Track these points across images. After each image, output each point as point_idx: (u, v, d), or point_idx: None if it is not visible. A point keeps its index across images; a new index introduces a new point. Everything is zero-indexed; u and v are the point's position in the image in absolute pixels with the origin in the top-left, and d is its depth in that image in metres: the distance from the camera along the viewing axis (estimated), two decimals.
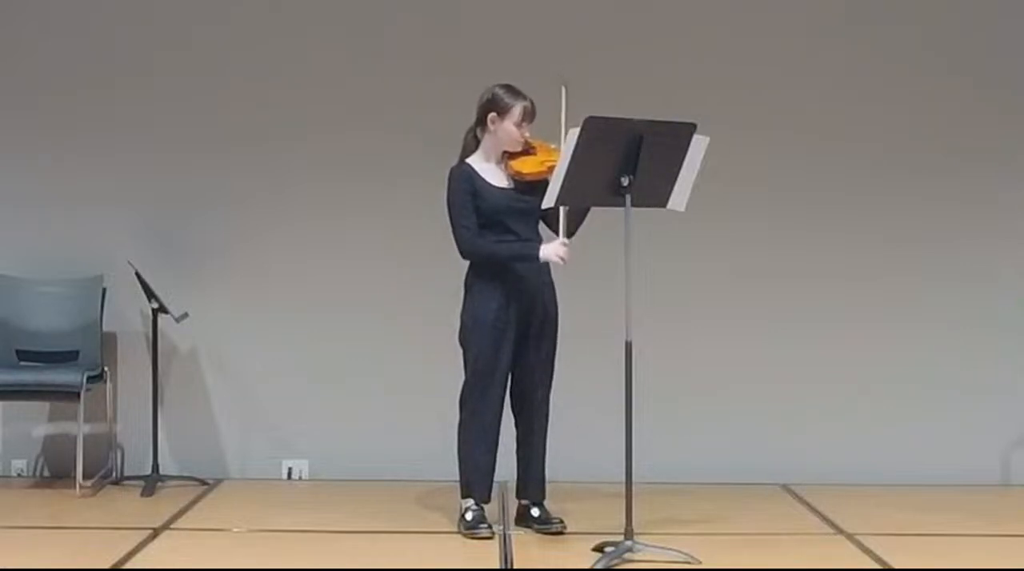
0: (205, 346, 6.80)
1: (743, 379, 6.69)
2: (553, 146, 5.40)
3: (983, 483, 6.64)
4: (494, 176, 5.51)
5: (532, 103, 5.45)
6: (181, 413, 6.75)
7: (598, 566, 4.99)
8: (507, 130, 5.46)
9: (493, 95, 5.48)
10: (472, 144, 5.57)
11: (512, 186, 5.50)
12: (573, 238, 5.42)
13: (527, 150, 5.50)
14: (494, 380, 5.46)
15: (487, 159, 5.53)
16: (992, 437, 6.71)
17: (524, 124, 5.46)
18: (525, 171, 5.45)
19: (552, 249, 5.37)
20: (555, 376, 5.58)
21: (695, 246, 6.65)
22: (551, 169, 5.28)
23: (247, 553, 5.24)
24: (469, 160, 5.53)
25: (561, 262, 5.35)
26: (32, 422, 6.76)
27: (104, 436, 6.66)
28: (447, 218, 5.45)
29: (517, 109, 5.44)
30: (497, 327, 5.44)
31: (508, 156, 5.51)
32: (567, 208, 5.36)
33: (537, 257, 5.40)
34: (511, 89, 5.48)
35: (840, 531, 5.69)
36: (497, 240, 5.45)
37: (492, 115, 5.47)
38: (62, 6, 6.78)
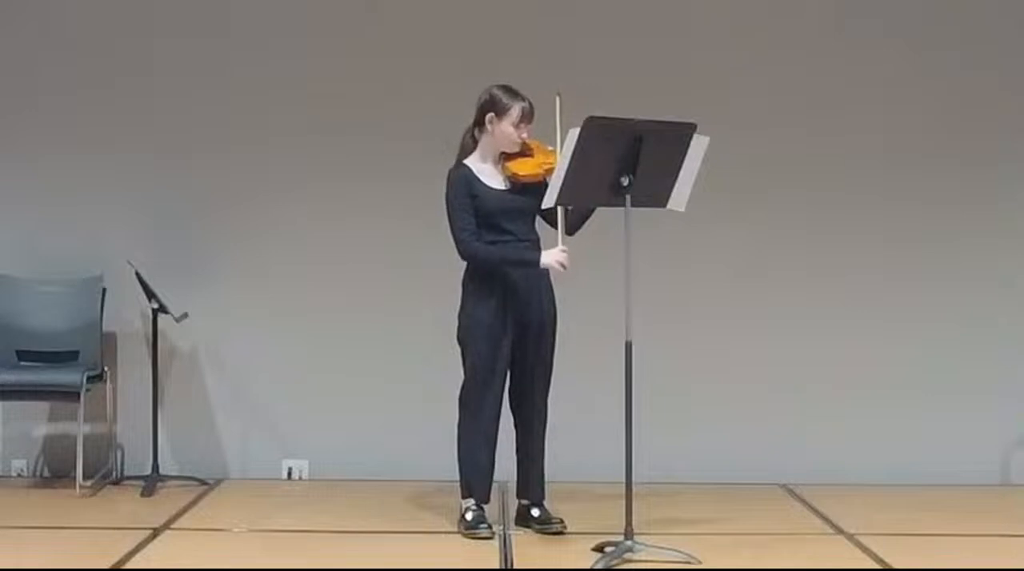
0: (205, 346, 6.80)
1: (743, 379, 6.69)
2: (550, 148, 5.39)
3: (983, 483, 6.64)
4: (491, 177, 5.51)
5: (530, 104, 5.44)
6: (181, 413, 6.75)
7: (598, 566, 4.99)
8: (505, 131, 5.45)
9: (491, 96, 5.48)
10: (470, 145, 5.56)
11: (508, 187, 5.50)
12: (573, 238, 5.42)
13: (524, 151, 5.49)
14: (493, 380, 5.46)
15: (484, 160, 5.53)
16: (992, 437, 6.70)
17: (522, 125, 5.45)
18: (522, 173, 5.45)
19: (552, 256, 5.36)
20: (555, 376, 5.58)
21: (695, 246, 6.65)
22: (548, 171, 5.29)
23: (247, 553, 5.24)
24: (467, 161, 5.53)
25: (561, 269, 5.35)
26: (32, 422, 6.76)
27: (104, 436, 6.66)
28: (447, 220, 5.45)
29: (515, 110, 5.43)
30: (495, 327, 5.44)
31: (505, 157, 5.51)
32: (569, 207, 5.36)
33: (537, 263, 5.40)
34: (509, 90, 5.47)
35: (840, 531, 5.69)
36: (494, 240, 5.44)
37: (490, 116, 5.47)
38: (62, 6, 6.78)
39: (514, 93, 5.46)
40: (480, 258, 5.43)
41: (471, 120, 5.54)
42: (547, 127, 5.36)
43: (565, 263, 5.34)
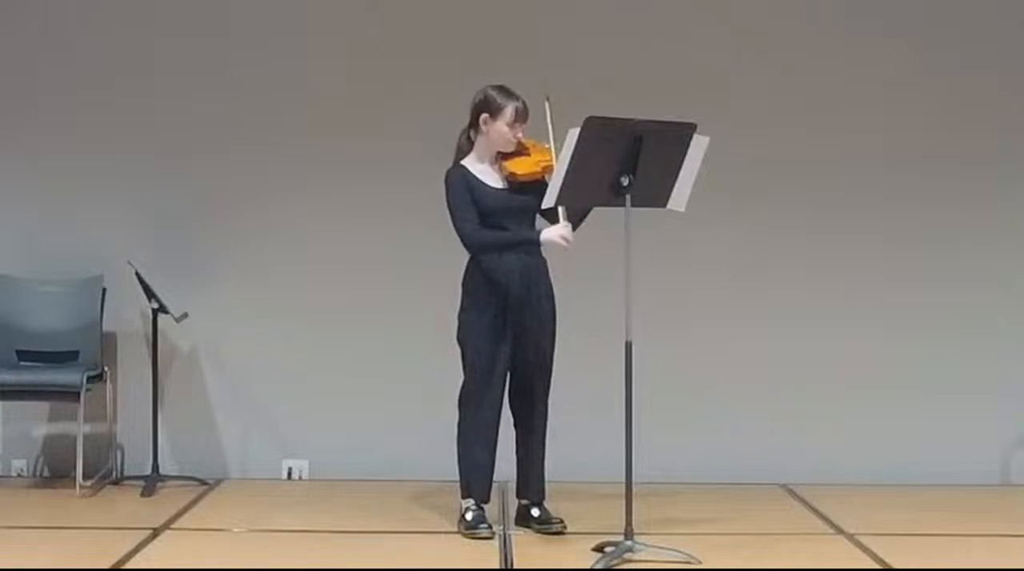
0: (205, 346, 6.80)
1: (743, 379, 6.69)
2: (546, 146, 5.39)
3: (983, 483, 6.64)
4: (489, 177, 5.51)
5: (525, 103, 5.44)
6: (181, 413, 6.75)
7: (598, 566, 4.99)
8: (499, 131, 5.45)
9: (485, 96, 5.47)
10: (466, 146, 5.55)
11: (506, 186, 5.50)
12: (574, 234, 5.41)
13: (520, 150, 5.49)
14: (492, 380, 5.45)
15: (481, 160, 5.53)
16: (992, 437, 6.70)
17: (517, 124, 5.44)
18: (519, 172, 5.44)
19: (555, 231, 5.33)
20: (555, 376, 5.58)
21: (695, 246, 6.65)
22: (545, 169, 5.30)
23: (247, 553, 5.24)
24: (463, 162, 5.53)
25: (565, 243, 5.32)
26: (32, 422, 6.76)
27: (104, 436, 6.66)
28: (446, 220, 5.45)
29: (509, 110, 5.43)
30: (495, 327, 5.44)
31: (502, 157, 5.51)
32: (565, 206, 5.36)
33: (538, 241, 5.38)
34: (503, 90, 5.47)
35: (840, 531, 5.69)
36: None
37: (484, 116, 5.46)
38: (62, 6, 6.78)
39: (508, 93, 5.46)
40: (488, 243, 5.42)
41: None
42: (541, 130, 5.36)
43: (569, 238, 5.32)
